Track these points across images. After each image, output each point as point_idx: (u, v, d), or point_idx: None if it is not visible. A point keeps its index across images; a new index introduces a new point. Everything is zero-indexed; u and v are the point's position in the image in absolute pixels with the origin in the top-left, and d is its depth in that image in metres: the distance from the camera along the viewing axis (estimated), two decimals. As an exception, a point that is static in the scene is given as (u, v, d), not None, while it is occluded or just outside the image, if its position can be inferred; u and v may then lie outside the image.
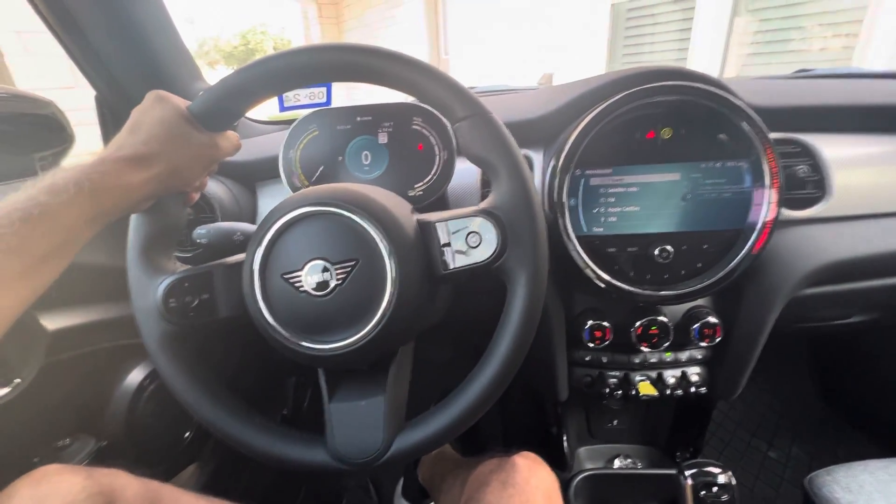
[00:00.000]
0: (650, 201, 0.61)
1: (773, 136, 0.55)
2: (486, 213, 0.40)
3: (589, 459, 0.91)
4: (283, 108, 0.67)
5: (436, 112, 0.60)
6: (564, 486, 0.72)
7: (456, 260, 0.41)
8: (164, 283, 0.43)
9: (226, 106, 0.42)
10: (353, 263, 0.39)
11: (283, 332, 0.40)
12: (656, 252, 0.60)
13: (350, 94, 4.97)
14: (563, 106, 0.63)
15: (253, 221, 0.71)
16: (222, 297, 0.44)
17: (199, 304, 0.43)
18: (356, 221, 0.39)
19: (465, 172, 0.65)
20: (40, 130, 0.63)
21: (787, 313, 0.65)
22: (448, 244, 0.41)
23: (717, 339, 0.64)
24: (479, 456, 0.59)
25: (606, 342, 0.65)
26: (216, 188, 0.67)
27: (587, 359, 0.71)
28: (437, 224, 0.42)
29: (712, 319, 0.63)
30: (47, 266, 0.36)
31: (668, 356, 0.70)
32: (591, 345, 0.65)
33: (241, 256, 0.44)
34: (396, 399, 0.43)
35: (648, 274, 0.62)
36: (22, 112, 0.60)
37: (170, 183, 0.42)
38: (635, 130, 0.59)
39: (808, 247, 0.64)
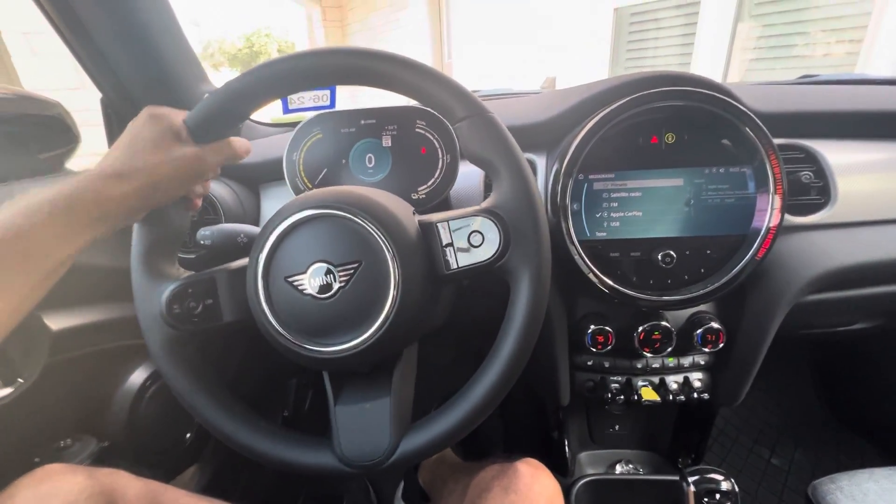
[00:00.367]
0: (653, 206, 0.61)
1: (776, 141, 0.55)
2: (488, 213, 0.40)
3: (590, 465, 0.90)
4: (286, 111, 0.67)
5: (439, 115, 0.60)
6: (566, 492, 0.71)
7: (459, 259, 0.41)
8: (167, 290, 0.43)
9: (227, 110, 0.42)
10: (356, 266, 0.39)
11: (286, 335, 0.40)
12: (659, 257, 0.60)
13: (355, 96, 4.99)
14: (567, 110, 0.63)
15: (256, 223, 0.72)
16: (226, 302, 0.44)
17: (203, 310, 0.43)
18: (359, 224, 0.39)
19: (469, 176, 0.65)
20: (46, 131, 0.63)
21: (791, 320, 0.65)
22: (450, 244, 0.41)
23: (720, 345, 0.64)
24: (481, 460, 0.58)
25: (609, 347, 0.65)
26: (220, 189, 0.68)
27: (589, 363, 0.71)
28: (438, 224, 0.41)
29: (715, 325, 0.63)
30: (26, 289, 0.36)
31: (671, 361, 0.70)
32: (594, 349, 0.65)
33: (244, 261, 0.44)
34: (402, 401, 0.43)
35: (651, 279, 0.62)
36: (28, 113, 0.61)
37: (152, 197, 0.41)
38: (638, 135, 0.59)
39: (812, 253, 0.64)
